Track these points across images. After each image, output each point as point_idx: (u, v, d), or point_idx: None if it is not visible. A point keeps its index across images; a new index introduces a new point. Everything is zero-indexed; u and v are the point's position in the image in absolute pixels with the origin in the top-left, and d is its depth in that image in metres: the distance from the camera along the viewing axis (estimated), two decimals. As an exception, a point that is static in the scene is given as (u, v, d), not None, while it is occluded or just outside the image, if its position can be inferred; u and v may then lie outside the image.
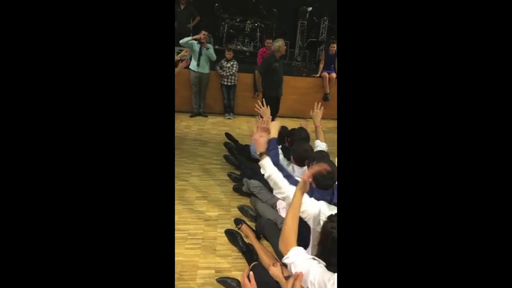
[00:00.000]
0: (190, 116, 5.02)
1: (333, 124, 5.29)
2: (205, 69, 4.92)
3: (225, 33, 7.48)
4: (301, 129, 2.64)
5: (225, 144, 3.76)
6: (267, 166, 1.70)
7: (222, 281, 1.87)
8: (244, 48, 7.43)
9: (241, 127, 4.83)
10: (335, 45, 5.34)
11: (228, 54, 5.05)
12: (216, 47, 6.94)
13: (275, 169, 1.70)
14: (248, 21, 7.72)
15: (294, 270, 1.19)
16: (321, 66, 5.44)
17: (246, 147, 3.59)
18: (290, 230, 1.28)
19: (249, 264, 1.91)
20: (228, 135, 4.04)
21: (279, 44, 4.03)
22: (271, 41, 5.28)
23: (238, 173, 3.18)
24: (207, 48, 4.79)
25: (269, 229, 2.11)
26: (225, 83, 5.11)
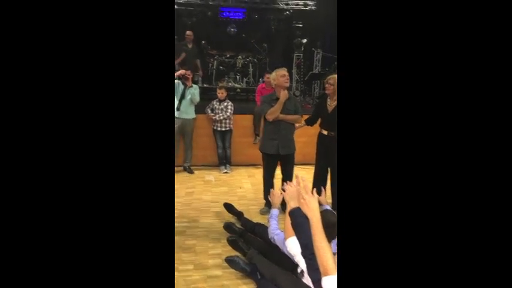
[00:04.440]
0: None
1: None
2: (189, 113, 3.75)
3: (214, 70, 6.53)
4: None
5: (226, 226, 2.48)
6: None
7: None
8: (236, 85, 6.45)
9: (243, 185, 3.61)
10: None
11: (221, 93, 3.94)
12: (205, 85, 5.96)
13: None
14: (239, 57, 6.83)
15: None
16: (333, 101, 4.40)
17: (260, 228, 2.34)
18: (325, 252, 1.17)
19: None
20: (227, 206, 2.78)
21: (281, 73, 2.61)
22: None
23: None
24: (190, 86, 3.70)
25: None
26: (219, 129, 3.96)
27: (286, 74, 2.65)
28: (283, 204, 2.12)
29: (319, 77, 6.38)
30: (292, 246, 1.58)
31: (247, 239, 2.26)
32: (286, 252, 1.83)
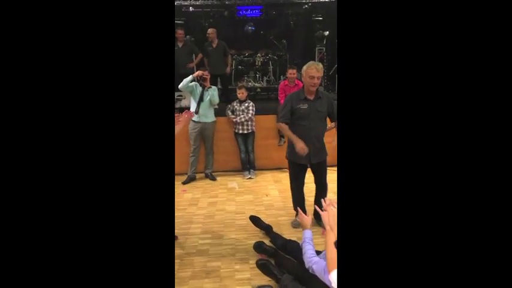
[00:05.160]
0: (183, 183, 3.41)
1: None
2: (209, 116, 3.47)
3: (233, 70, 6.27)
4: None
5: (256, 246, 2.14)
6: None
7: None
8: (256, 85, 6.14)
9: (270, 192, 3.28)
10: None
11: (241, 94, 3.64)
12: (230, 87, 5.68)
13: None
14: (258, 55, 6.52)
15: None
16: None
17: (293, 245, 2.01)
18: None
19: None
20: (254, 220, 2.47)
21: (310, 71, 2.17)
22: (295, 71, 3.91)
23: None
24: (209, 87, 3.42)
25: None
26: (240, 131, 3.67)
27: (317, 74, 2.16)
28: (316, 214, 1.78)
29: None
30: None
31: (279, 259, 1.93)
32: (327, 282, 1.49)
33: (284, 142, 3.80)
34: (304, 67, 2.23)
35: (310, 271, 1.57)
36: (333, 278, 1.29)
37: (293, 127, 2.29)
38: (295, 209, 2.51)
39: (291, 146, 2.33)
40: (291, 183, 2.48)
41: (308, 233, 1.67)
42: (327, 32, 6.49)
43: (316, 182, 2.43)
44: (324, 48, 6.44)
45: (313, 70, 2.16)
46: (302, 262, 1.81)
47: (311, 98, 2.25)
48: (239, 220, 2.63)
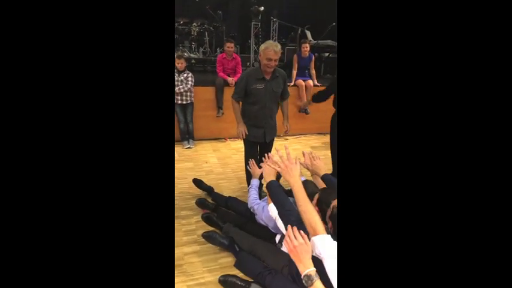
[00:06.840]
0: None
1: (318, 140, 4.30)
2: None
3: (167, 38, 6.02)
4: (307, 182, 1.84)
5: (198, 202, 2.38)
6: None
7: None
8: (192, 55, 6.06)
9: (209, 160, 3.52)
10: (307, 45, 4.34)
11: (179, 64, 3.67)
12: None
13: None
14: (194, 24, 6.36)
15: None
16: (294, 72, 4.37)
17: (233, 201, 2.33)
18: (312, 214, 1.26)
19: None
20: (196, 182, 2.69)
21: (268, 53, 2.10)
22: (232, 45, 4.07)
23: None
24: None
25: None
26: (179, 102, 3.73)
27: (274, 57, 2.10)
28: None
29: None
30: (274, 210, 1.67)
31: (220, 213, 2.24)
32: (263, 222, 1.88)
33: (222, 114, 4.02)
34: (262, 47, 2.16)
35: (251, 210, 1.96)
36: (270, 208, 1.70)
37: (249, 108, 2.32)
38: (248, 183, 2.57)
39: (246, 125, 2.36)
40: (245, 158, 2.53)
41: (255, 181, 2.08)
42: (262, 8, 6.67)
43: (259, 156, 2.50)
44: (259, 23, 6.63)
45: (271, 52, 2.09)
46: (240, 214, 2.17)
47: (268, 77, 2.23)
48: (181, 184, 2.83)
